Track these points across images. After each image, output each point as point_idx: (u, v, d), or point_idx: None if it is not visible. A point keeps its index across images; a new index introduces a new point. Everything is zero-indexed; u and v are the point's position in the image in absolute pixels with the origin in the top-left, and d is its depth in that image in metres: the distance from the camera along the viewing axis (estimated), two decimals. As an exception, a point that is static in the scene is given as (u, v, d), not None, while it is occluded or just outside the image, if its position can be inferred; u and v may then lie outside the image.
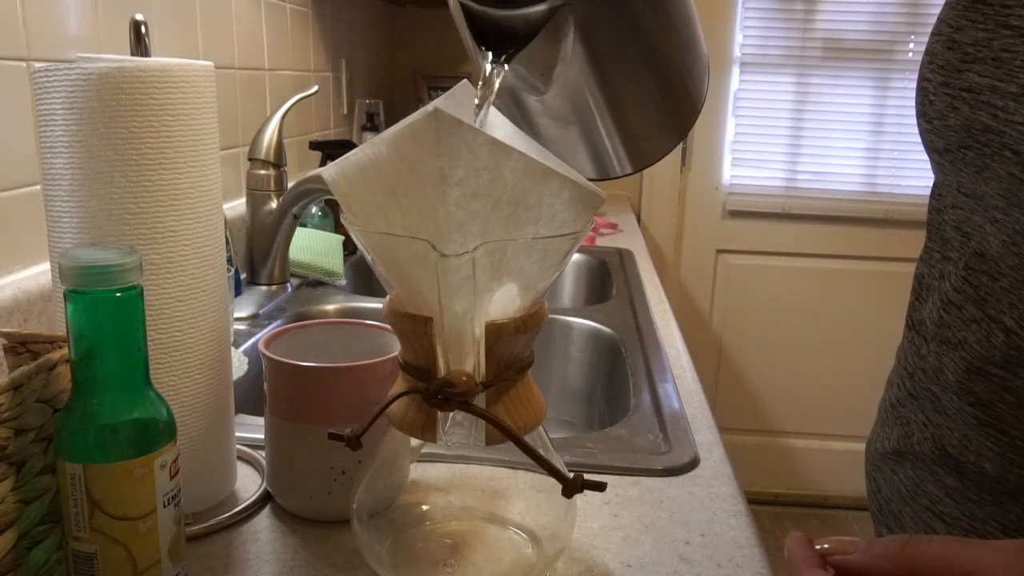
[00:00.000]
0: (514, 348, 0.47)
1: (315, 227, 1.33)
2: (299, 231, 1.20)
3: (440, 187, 0.41)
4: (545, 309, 0.48)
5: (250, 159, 1.12)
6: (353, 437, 0.49)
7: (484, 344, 0.45)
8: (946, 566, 0.33)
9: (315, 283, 1.22)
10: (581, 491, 0.47)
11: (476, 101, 0.46)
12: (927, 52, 0.51)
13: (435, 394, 0.45)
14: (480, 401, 0.46)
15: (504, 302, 0.45)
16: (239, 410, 0.68)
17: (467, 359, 0.46)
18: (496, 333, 0.45)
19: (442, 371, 0.46)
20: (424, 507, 0.58)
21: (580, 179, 0.44)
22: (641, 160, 0.59)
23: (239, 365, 0.85)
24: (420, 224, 0.43)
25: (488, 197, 0.42)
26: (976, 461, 0.49)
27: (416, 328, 0.45)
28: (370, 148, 0.43)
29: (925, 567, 0.34)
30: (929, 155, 0.52)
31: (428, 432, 0.47)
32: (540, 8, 0.43)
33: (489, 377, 0.46)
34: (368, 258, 0.46)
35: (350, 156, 0.44)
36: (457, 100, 0.47)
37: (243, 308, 1.07)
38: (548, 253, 0.45)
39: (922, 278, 0.55)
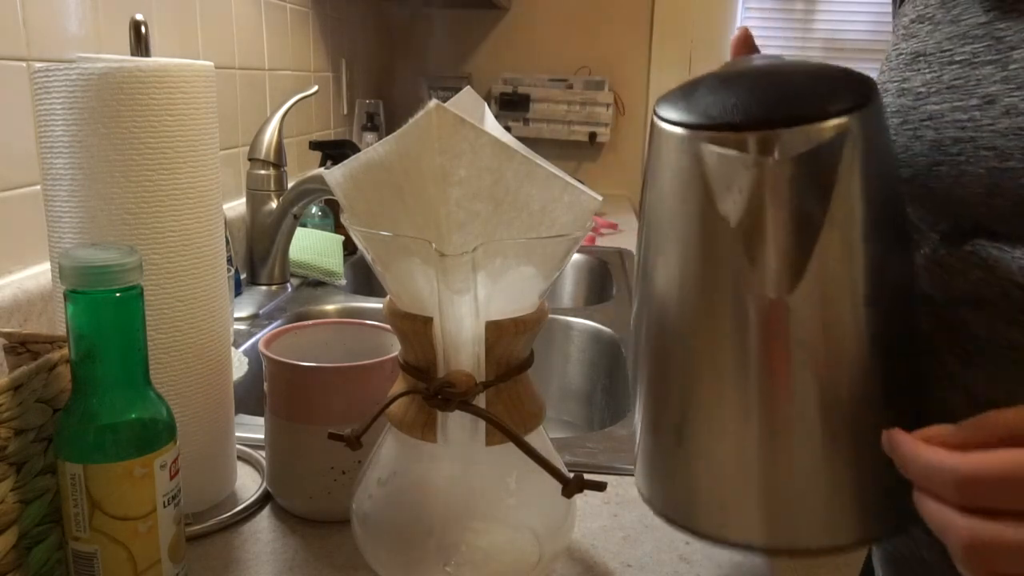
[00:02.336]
0: (514, 348, 0.47)
1: (315, 227, 1.33)
2: (299, 231, 1.20)
3: (442, 185, 0.41)
4: (545, 309, 0.48)
5: (250, 159, 1.12)
6: (353, 437, 0.49)
7: (484, 344, 0.45)
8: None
9: (315, 283, 1.22)
10: (581, 491, 0.47)
11: None
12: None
13: (435, 394, 0.45)
14: (480, 401, 0.46)
15: (506, 301, 0.45)
16: (239, 410, 0.68)
17: (467, 359, 0.46)
18: (496, 333, 0.45)
19: (442, 371, 0.46)
20: (424, 507, 0.58)
21: (578, 184, 0.44)
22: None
23: (239, 365, 0.85)
24: (423, 224, 0.43)
25: (490, 198, 0.42)
26: None
27: (416, 328, 0.45)
28: (381, 147, 0.43)
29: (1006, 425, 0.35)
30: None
31: (428, 432, 0.47)
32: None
33: (489, 377, 0.46)
34: (368, 258, 0.46)
35: (359, 155, 0.45)
36: (461, 108, 0.47)
37: (243, 308, 1.07)
38: (548, 254, 0.45)
39: None
